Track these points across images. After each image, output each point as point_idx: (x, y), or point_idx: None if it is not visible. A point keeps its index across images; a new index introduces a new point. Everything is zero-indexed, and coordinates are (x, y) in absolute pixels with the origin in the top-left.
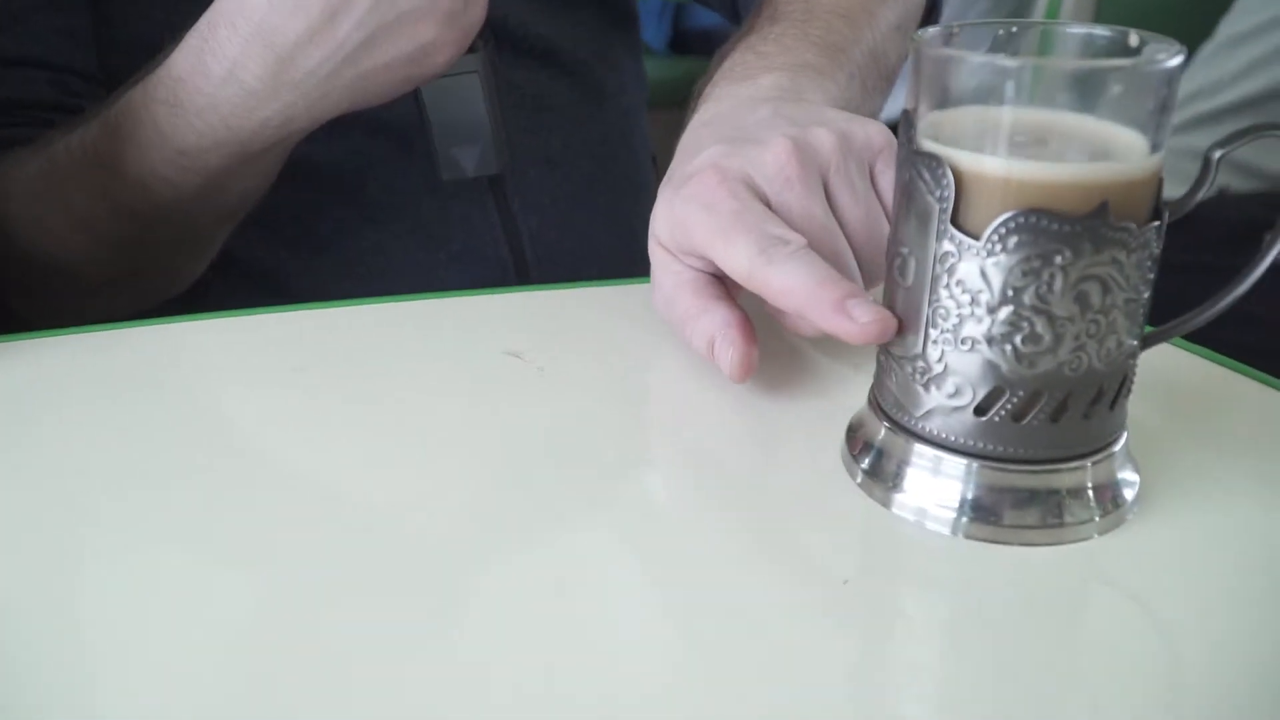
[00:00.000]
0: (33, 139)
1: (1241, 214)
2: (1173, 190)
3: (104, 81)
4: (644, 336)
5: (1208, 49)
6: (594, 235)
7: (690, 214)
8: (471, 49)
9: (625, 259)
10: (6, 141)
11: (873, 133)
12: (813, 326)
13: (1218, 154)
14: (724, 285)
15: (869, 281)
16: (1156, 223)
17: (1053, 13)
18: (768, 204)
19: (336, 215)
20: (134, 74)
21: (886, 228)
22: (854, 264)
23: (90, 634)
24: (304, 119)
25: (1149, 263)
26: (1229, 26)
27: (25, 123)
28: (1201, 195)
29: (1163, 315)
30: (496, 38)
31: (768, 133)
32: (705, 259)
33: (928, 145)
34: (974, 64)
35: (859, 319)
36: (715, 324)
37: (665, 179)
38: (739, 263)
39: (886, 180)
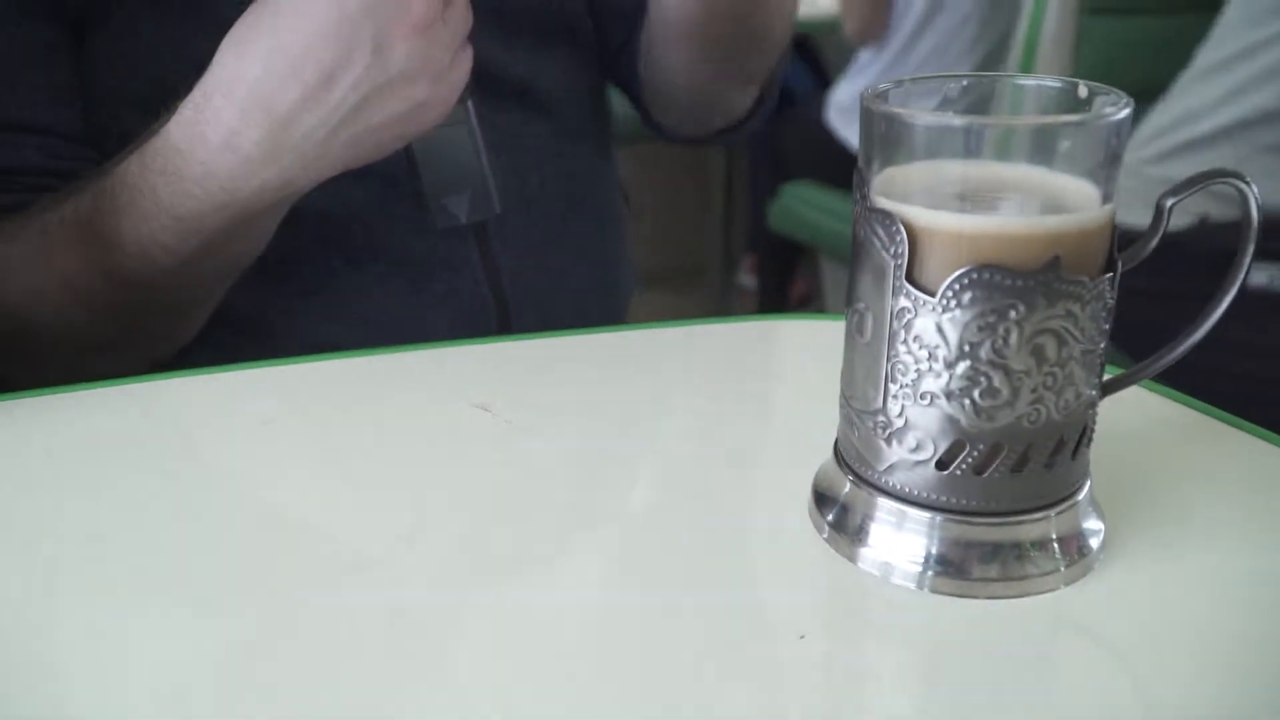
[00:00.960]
0: (24, 205)
1: (1221, 242)
2: (1148, 217)
3: (87, 140)
4: (617, 388)
5: (1186, 77)
6: (569, 272)
7: None
8: (459, 100)
9: (601, 295)
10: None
11: None
12: None
13: (1170, 202)
14: None
15: None
16: (1110, 274)
17: (1031, 42)
18: None
19: (322, 259)
20: (117, 130)
21: None
22: None
23: (70, 685)
24: (302, 180)
25: (1104, 314)
26: (1207, 55)
27: (16, 189)
28: (1154, 243)
29: (1145, 343)
30: (478, 83)
31: None
32: None
33: (881, 202)
34: (924, 122)
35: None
36: None
37: None
38: None
39: None
